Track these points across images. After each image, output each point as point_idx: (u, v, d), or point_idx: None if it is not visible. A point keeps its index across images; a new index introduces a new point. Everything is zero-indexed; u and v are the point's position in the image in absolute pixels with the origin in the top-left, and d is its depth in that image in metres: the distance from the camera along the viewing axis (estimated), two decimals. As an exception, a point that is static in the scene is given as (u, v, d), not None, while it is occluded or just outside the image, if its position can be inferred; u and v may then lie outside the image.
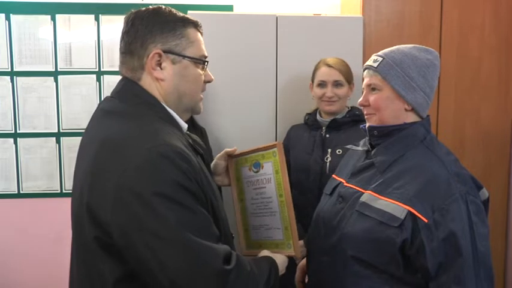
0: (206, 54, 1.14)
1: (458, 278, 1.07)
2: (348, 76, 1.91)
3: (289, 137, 2.08)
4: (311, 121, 1.99)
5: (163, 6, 1.10)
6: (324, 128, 1.93)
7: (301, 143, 1.98)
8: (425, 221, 1.09)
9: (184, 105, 1.13)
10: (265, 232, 1.34)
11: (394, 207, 1.12)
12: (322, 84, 1.92)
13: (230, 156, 1.44)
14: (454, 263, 1.07)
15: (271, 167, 1.34)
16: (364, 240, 1.16)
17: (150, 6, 1.10)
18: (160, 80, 1.07)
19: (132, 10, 1.11)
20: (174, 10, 1.10)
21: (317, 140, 1.92)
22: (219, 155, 1.48)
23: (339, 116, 1.92)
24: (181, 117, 1.13)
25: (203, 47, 1.14)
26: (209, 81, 1.17)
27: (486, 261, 1.10)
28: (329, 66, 1.90)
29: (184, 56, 1.08)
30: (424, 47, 1.25)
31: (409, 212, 1.10)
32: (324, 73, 1.91)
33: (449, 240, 1.07)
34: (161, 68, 1.07)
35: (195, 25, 1.12)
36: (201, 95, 1.17)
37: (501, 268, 2.51)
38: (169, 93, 1.09)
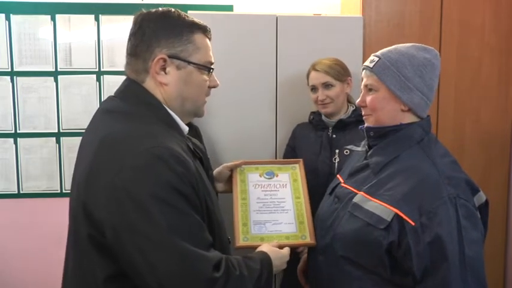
0: (213, 60, 1.14)
1: (444, 282, 1.05)
2: (338, 75, 1.90)
3: (295, 135, 2.08)
4: (316, 121, 1.99)
5: (173, 10, 1.09)
6: (330, 128, 1.94)
7: (307, 143, 1.98)
8: (412, 224, 1.07)
9: (186, 110, 1.13)
10: (272, 226, 1.41)
11: (382, 209, 1.12)
12: (313, 89, 1.94)
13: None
14: (439, 267, 1.05)
15: (288, 176, 1.54)
16: (353, 241, 1.17)
17: (160, 9, 1.09)
18: (164, 84, 1.07)
19: (143, 10, 1.10)
20: (183, 14, 1.09)
21: (324, 141, 1.92)
22: (226, 164, 1.54)
23: (344, 116, 1.92)
24: (182, 120, 1.13)
25: (210, 52, 1.13)
26: (214, 87, 1.17)
27: (475, 267, 1.07)
28: (316, 70, 1.92)
29: (189, 62, 1.08)
30: (423, 45, 1.24)
31: (396, 215, 1.09)
32: (312, 78, 1.93)
33: (435, 244, 1.05)
34: (165, 73, 1.07)
35: (204, 30, 1.12)
36: (205, 99, 1.17)
37: (501, 268, 2.51)
38: (173, 97, 1.09)
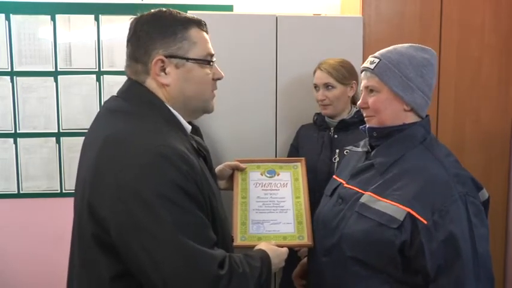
0: (212, 52, 1.13)
1: (458, 280, 1.06)
2: (341, 77, 1.89)
3: (299, 136, 2.09)
4: (320, 121, 1.99)
5: (164, 9, 1.09)
6: (332, 128, 1.94)
7: (310, 143, 1.99)
8: (425, 222, 1.08)
9: (192, 107, 1.13)
10: (270, 226, 1.41)
11: (393, 208, 1.12)
12: (316, 88, 1.95)
13: (239, 160, 1.54)
14: (453, 265, 1.06)
15: (289, 175, 1.53)
16: (363, 241, 1.16)
17: (152, 10, 1.09)
18: (166, 85, 1.07)
19: (137, 15, 1.10)
20: (175, 12, 1.09)
21: (325, 141, 1.93)
22: (228, 163, 1.56)
23: (346, 117, 1.93)
24: (191, 118, 1.13)
25: (209, 45, 1.12)
26: (219, 79, 1.16)
27: (486, 263, 1.09)
28: (320, 69, 1.92)
29: (187, 59, 1.07)
30: (420, 45, 1.25)
31: (409, 214, 1.10)
32: (316, 76, 1.94)
33: (449, 242, 1.06)
34: (165, 73, 1.07)
35: (198, 24, 1.11)
36: (214, 93, 1.16)
37: (501, 268, 2.51)
38: (175, 97, 1.09)
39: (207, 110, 1.16)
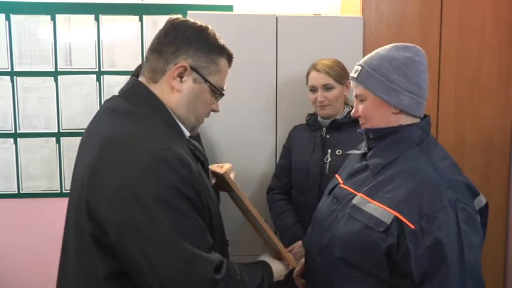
0: (225, 88, 1.16)
1: (442, 286, 1.05)
2: (339, 77, 1.89)
3: (291, 137, 2.08)
4: (312, 122, 1.99)
5: (210, 28, 1.12)
6: (324, 128, 1.93)
7: (302, 143, 1.98)
8: (412, 227, 1.07)
9: (188, 122, 1.13)
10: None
11: (381, 211, 1.11)
12: (313, 90, 1.92)
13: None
14: (438, 271, 1.05)
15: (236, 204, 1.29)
16: (351, 243, 1.16)
17: (199, 22, 1.12)
18: (176, 90, 1.08)
19: (180, 16, 1.13)
20: (217, 35, 1.12)
21: (317, 141, 1.92)
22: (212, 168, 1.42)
23: (339, 117, 1.92)
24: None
25: (225, 81, 1.16)
26: (215, 111, 1.19)
27: (474, 271, 1.07)
28: (317, 70, 1.90)
29: (206, 80, 1.10)
30: (403, 44, 1.23)
31: (396, 218, 1.09)
32: (313, 78, 1.92)
33: (435, 248, 1.05)
34: (181, 81, 1.08)
35: (229, 59, 1.15)
36: (203, 121, 1.19)
37: (501, 269, 2.51)
38: (180, 105, 1.09)
39: (194, 130, 1.18)
